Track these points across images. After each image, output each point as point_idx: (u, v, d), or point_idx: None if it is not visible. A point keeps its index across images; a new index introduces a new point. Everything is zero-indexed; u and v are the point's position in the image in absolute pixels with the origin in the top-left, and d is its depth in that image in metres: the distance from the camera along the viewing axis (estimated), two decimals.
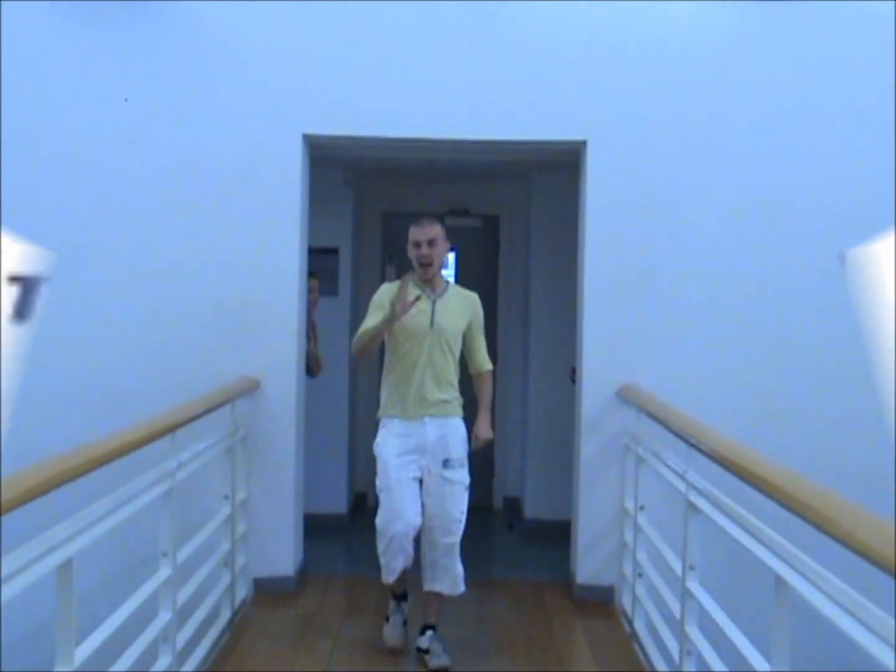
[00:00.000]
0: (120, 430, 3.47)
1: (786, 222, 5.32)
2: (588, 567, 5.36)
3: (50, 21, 5.30)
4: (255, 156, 5.30)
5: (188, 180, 5.33)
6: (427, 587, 4.42)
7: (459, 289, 4.54)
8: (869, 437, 5.07)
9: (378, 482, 4.39)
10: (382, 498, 4.35)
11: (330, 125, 5.32)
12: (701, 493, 3.68)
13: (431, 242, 4.32)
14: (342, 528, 7.06)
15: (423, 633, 4.45)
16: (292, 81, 5.32)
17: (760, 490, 2.83)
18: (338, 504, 7.17)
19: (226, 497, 4.86)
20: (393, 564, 4.33)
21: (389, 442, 4.38)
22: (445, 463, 4.33)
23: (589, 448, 5.36)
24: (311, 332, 5.77)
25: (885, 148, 5.07)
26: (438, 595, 4.43)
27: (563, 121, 5.31)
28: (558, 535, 6.00)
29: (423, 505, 4.33)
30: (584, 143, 5.31)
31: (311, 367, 5.78)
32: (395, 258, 7.52)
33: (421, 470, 4.34)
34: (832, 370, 5.27)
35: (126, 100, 5.27)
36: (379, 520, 4.34)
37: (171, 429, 3.81)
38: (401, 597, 4.61)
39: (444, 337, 4.35)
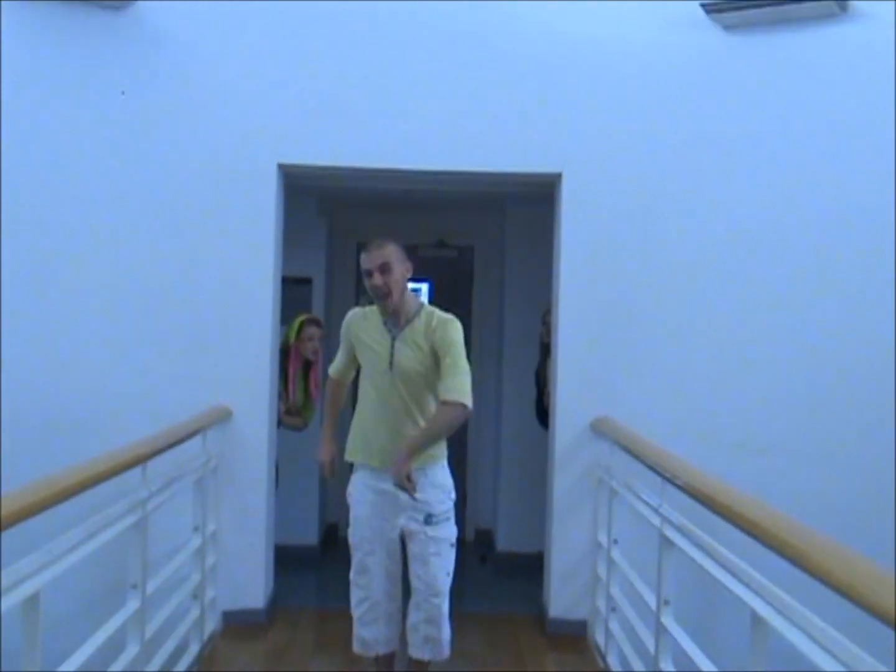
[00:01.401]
0: (91, 460, 3.42)
1: (763, 254, 5.34)
2: (561, 601, 5.32)
3: (22, 38, 5.24)
4: (230, 184, 5.27)
5: (161, 207, 5.29)
6: (410, 652, 3.95)
7: (432, 312, 3.82)
8: (852, 470, 5.16)
9: (350, 537, 3.97)
10: (354, 558, 3.93)
11: (305, 155, 5.30)
12: (676, 527, 3.67)
13: (383, 268, 3.69)
14: (313, 559, 7.00)
15: None
16: (268, 111, 5.30)
17: (736, 525, 2.82)
18: (308, 536, 7.09)
19: (195, 528, 4.80)
20: (362, 634, 3.96)
21: (361, 495, 3.90)
22: (428, 519, 3.77)
23: (562, 481, 5.34)
24: (309, 383, 5.65)
25: (875, 172, 5.15)
26: (422, 662, 3.96)
27: (538, 153, 5.32)
28: (531, 567, 5.98)
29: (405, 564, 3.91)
30: (558, 176, 5.32)
31: (291, 421, 5.67)
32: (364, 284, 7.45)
33: (399, 529, 3.83)
34: (813, 402, 5.30)
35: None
36: (352, 575, 3.96)
37: (142, 459, 3.77)
38: None
39: (405, 376, 3.76)
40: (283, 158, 5.29)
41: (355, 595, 3.95)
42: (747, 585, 2.86)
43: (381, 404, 3.83)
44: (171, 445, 4.16)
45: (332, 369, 4.21)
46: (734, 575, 3.01)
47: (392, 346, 3.79)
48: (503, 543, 7.07)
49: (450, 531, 3.84)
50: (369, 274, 3.73)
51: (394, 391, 3.79)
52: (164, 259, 5.29)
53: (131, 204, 5.29)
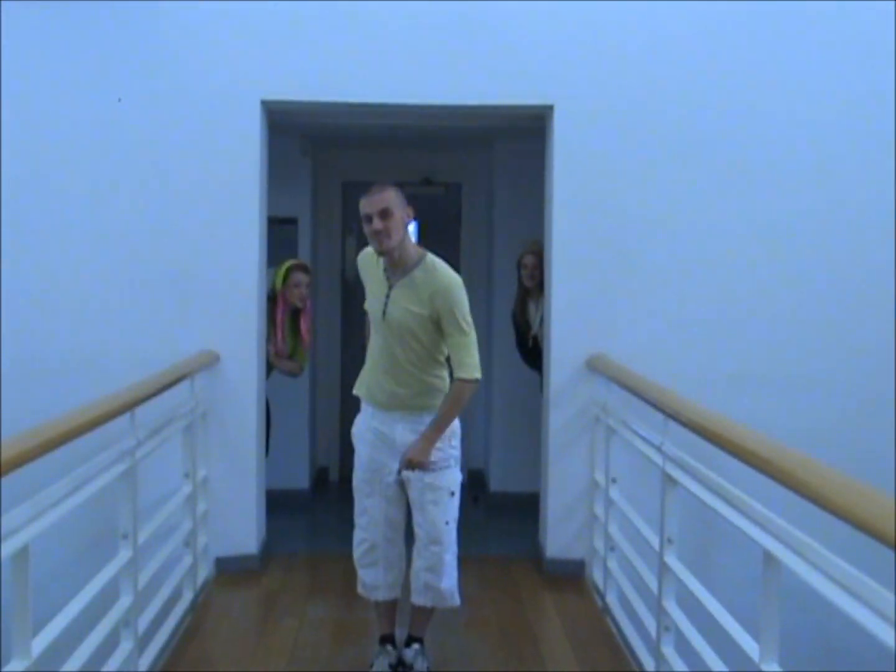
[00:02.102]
0: (77, 408, 3.31)
1: (760, 185, 5.23)
2: (557, 541, 5.26)
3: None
4: (212, 123, 5.11)
5: (142, 148, 5.13)
6: (411, 598, 3.83)
7: (434, 268, 3.62)
8: (854, 400, 5.11)
9: (353, 478, 3.87)
10: (356, 500, 3.85)
11: (289, 90, 5.13)
12: (679, 465, 3.59)
13: (384, 213, 3.51)
14: (304, 504, 6.94)
15: (407, 644, 3.92)
16: (249, 46, 5.12)
17: (745, 461, 2.74)
18: (299, 479, 7.04)
19: (186, 475, 4.71)
20: (362, 576, 3.86)
21: (363, 434, 3.81)
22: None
23: (557, 419, 5.25)
24: (300, 329, 5.54)
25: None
26: (424, 608, 3.86)
27: (528, 84, 5.17)
28: (525, 507, 5.94)
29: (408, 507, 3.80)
30: (550, 108, 5.16)
31: (286, 365, 5.58)
32: (355, 228, 7.34)
33: (396, 474, 3.71)
34: (812, 335, 5.23)
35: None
36: (355, 515, 3.87)
37: (129, 406, 3.66)
38: (386, 638, 3.96)
39: (398, 330, 3.62)
40: (266, 94, 5.12)
41: (356, 536, 3.87)
42: (759, 524, 2.79)
43: (378, 349, 3.73)
44: (158, 391, 4.05)
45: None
46: (744, 513, 2.93)
47: (387, 296, 3.66)
48: (496, 483, 7.03)
49: (448, 479, 3.72)
50: (368, 219, 3.55)
51: (387, 340, 3.68)
52: (147, 200, 5.15)
53: (112, 145, 5.13)
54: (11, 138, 5.06)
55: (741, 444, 2.83)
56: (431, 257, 3.68)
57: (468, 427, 7.38)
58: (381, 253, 3.62)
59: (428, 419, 3.67)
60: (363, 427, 3.83)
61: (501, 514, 6.72)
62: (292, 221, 6.97)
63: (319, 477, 7.45)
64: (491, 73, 5.15)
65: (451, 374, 3.72)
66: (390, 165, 7.33)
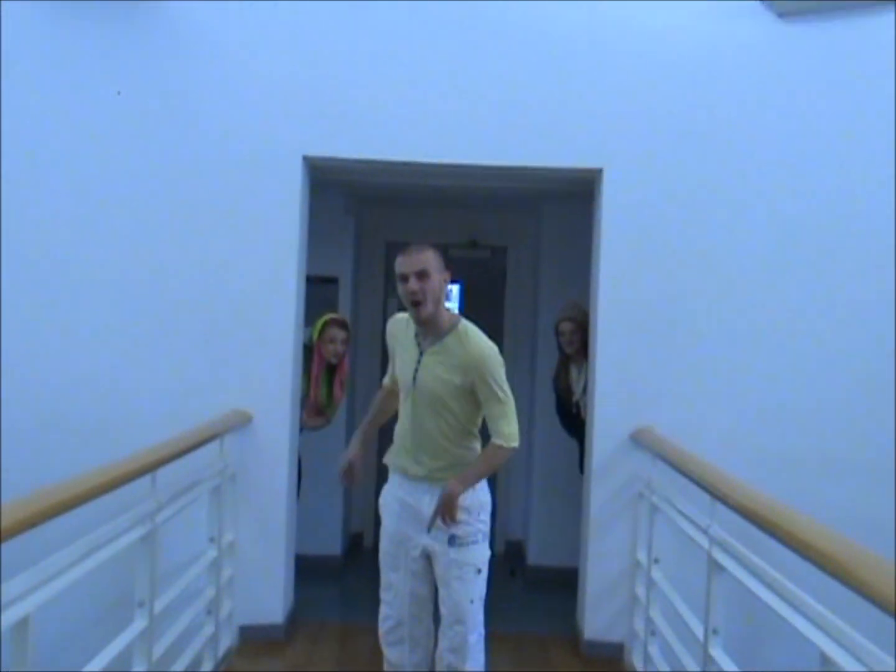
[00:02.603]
0: (95, 470, 3.18)
1: (816, 257, 5.03)
2: (596, 622, 5.02)
3: (35, 29, 5.03)
4: (253, 177, 5.02)
5: (180, 202, 5.04)
6: None
7: (468, 336, 3.46)
8: None
9: (379, 549, 3.73)
10: (382, 573, 3.70)
11: (331, 147, 5.03)
12: (727, 550, 3.37)
13: (421, 275, 3.37)
14: (336, 571, 6.74)
15: None
16: (293, 100, 5.04)
17: (799, 552, 2.52)
18: (332, 545, 6.83)
19: (211, 540, 4.55)
20: (388, 654, 3.70)
21: (389, 502, 3.67)
22: (451, 540, 3.46)
23: (600, 494, 5.04)
24: (334, 383, 5.41)
25: None
26: None
27: (579, 147, 5.03)
28: (564, 583, 5.69)
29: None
30: (599, 172, 5.03)
31: (313, 422, 5.45)
32: (397, 290, 7.23)
33: (422, 547, 3.54)
34: (869, 414, 4.95)
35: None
36: (381, 590, 3.71)
37: (150, 468, 3.52)
38: None
39: (429, 397, 3.48)
40: (308, 150, 5.03)
41: (381, 611, 3.70)
42: (813, 621, 2.57)
43: (408, 417, 3.58)
44: (181, 453, 3.91)
45: (386, 378, 3.91)
46: (797, 608, 2.71)
47: (418, 362, 3.51)
48: (534, 557, 6.77)
49: (475, 555, 3.52)
50: (404, 279, 3.42)
51: (417, 407, 3.53)
52: (183, 256, 5.05)
53: (149, 199, 5.04)
54: (40, 193, 5.02)
55: (795, 533, 2.61)
56: (465, 323, 3.54)
57: (508, 495, 7.28)
58: (416, 319, 3.48)
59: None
60: (389, 497, 3.68)
61: (539, 590, 6.45)
62: (333, 281, 6.83)
63: (353, 543, 7.25)
64: (537, 135, 5.02)
65: (482, 444, 3.57)
66: (435, 226, 7.21)
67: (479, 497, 3.54)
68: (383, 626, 3.68)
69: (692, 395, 5.02)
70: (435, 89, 5.05)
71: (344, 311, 6.76)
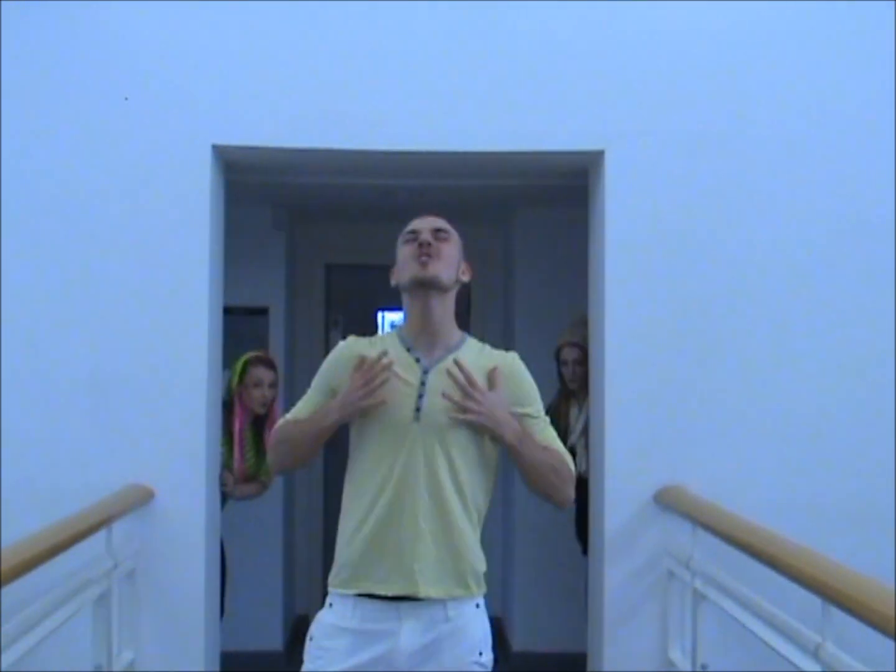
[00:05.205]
0: None
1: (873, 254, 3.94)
2: None
3: None
4: (150, 175, 3.84)
5: (52, 213, 3.84)
6: None
7: (482, 346, 2.56)
8: None
9: None
10: None
11: (248, 133, 3.87)
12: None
13: (439, 234, 2.50)
14: (277, 667, 5.49)
15: None
16: (198, 77, 3.89)
17: None
18: (270, 637, 5.66)
19: (97, 668, 3.32)
20: None
21: (330, 648, 2.36)
22: None
23: (615, 574, 3.86)
24: (264, 438, 4.23)
25: None
26: None
27: (572, 125, 3.92)
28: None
29: None
30: (600, 154, 3.90)
31: (244, 490, 4.32)
32: (340, 321, 6.25)
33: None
34: None
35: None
36: None
37: None
38: None
39: (439, 434, 2.39)
40: (219, 138, 3.85)
41: None
42: None
43: (394, 492, 2.37)
44: (37, 558, 2.70)
45: (290, 414, 2.67)
46: None
47: (422, 384, 2.42)
48: (519, 642, 5.57)
49: None
50: (415, 235, 2.49)
51: (418, 457, 2.37)
52: (59, 280, 3.84)
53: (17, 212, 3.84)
54: None
55: None
56: (474, 338, 2.59)
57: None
58: (420, 280, 2.43)
59: (462, 604, 2.37)
60: (330, 638, 2.37)
61: None
62: (263, 311, 5.76)
63: (297, 630, 6.02)
64: (524, 112, 3.92)
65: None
66: (383, 245, 6.00)
67: (480, 628, 2.42)
68: None
69: (732, 438, 3.87)
70: (381, 58, 3.91)
71: (276, 348, 5.67)
